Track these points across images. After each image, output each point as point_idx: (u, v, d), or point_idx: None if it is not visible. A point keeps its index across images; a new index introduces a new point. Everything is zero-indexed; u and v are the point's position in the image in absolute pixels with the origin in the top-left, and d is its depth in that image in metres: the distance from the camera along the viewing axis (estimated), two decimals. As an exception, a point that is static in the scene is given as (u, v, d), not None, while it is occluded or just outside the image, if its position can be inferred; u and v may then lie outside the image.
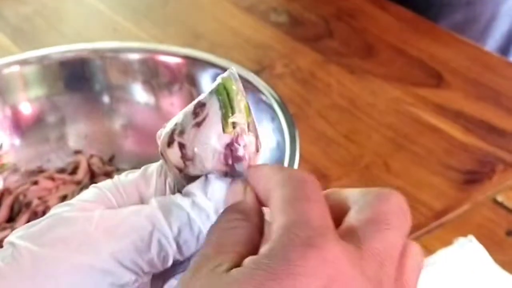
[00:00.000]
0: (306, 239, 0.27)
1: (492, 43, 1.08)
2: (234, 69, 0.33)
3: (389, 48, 0.92)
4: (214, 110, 0.31)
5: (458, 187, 0.72)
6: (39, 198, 0.63)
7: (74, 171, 0.66)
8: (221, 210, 0.32)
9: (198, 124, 0.31)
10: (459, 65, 0.89)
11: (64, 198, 0.63)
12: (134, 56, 0.69)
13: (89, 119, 0.69)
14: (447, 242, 0.64)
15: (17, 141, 0.68)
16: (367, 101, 0.84)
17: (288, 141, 0.60)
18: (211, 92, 0.32)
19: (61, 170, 0.67)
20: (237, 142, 0.31)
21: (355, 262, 0.28)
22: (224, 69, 0.65)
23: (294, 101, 0.83)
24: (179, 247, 0.32)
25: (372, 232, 0.29)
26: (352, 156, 0.76)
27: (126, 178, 0.34)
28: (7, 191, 0.63)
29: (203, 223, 0.32)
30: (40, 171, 0.67)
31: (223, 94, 0.31)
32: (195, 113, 0.31)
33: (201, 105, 0.31)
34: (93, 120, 0.69)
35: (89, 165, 0.66)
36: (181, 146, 0.32)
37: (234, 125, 0.31)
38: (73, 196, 0.63)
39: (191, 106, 0.32)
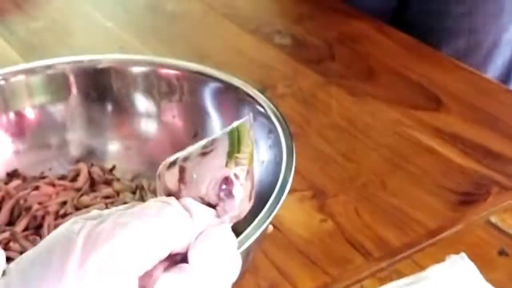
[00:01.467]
0: None
1: (494, 70, 1.09)
2: (251, 116, 0.34)
3: (389, 72, 0.94)
4: (222, 146, 0.33)
5: (453, 208, 0.73)
6: (39, 203, 0.64)
7: (74, 178, 0.68)
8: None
9: (204, 154, 0.33)
10: (458, 90, 0.90)
11: (63, 204, 0.64)
12: (138, 69, 0.70)
13: (91, 128, 0.71)
14: (439, 260, 0.65)
15: (20, 146, 0.69)
16: (366, 122, 0.85)
17: (285, 154, 0.61)
18: (224, 132, 0.33)
19: (62, 177, 0.68)
20: (235, 178, 0.32)
21: None
22: (226, 84, 0.67)
23: (294, 120, 0.85)
24: None
25: None
26: (349, 174, 0.77)
27: None
28: (7, 195, 0.64)
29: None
30: (42, 177, 0.68)
31: (234, 135, 0.33)
32: (205, 146, 0.33)
33: (212, 141, 0.33)
34: (95, 129, 0.71)
35: (89, 173, 0.68)
36: (182, 169, 0.33)
37: (236, 163, 0.32)
38: (72, 202, 0.64)
39: (202, 141, 0.34)
